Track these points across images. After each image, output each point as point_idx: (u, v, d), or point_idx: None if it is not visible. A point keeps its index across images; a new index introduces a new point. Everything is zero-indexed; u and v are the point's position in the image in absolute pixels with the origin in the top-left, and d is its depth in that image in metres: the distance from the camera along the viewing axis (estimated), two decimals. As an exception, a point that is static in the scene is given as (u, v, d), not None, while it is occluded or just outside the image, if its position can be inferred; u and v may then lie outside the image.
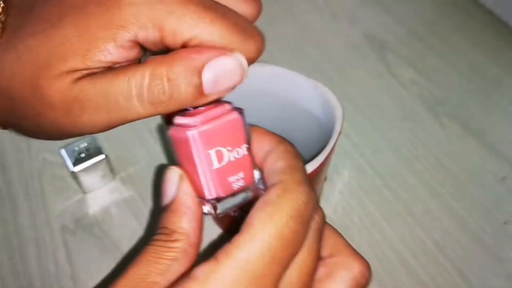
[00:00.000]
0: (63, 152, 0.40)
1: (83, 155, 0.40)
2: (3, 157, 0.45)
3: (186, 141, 0.22)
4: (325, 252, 0.24)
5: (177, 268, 0.22)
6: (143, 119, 0.23)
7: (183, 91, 0.21)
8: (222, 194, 0.23)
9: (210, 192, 0.23)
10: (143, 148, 0.46)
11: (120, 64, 0.22)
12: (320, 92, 0.35)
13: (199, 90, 0.21)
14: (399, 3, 0.58)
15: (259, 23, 0.50)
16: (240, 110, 0.23)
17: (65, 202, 0.43)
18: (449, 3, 0.58)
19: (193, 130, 0.21)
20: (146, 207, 0.43)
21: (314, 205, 0.22)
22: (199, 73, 0.21)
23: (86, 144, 0.40)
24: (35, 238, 0.41)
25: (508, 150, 0.47)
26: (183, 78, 0.21)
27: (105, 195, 0.43)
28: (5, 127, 0.27)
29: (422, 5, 0.58)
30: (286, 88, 0.37)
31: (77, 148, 0.40)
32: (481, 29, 0.55)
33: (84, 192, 0.43)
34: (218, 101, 0.23)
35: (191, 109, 0.22)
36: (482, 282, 0.40)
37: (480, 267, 0.40)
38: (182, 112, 0.22)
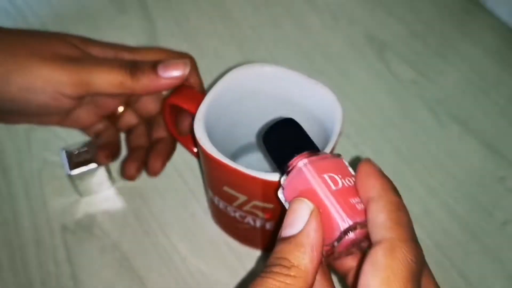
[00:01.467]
0: (62, 153, 0.40)
1: (82, 159, 0.40)
2: (3, 157, 0.45)
3: (300, 172, 0.24)
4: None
5: None
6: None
7: (146, 71, 0.34)
8: (351, 215, 0.23)
9: (340, 215, 0.23)
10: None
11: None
12: (321, 92, 0.35)
13: (155, 70, 0.34)
14: (399, 3, 0.58)
15: (259, 23, 0.51)
16: (338, 155, 0.26)
17: (65, 202, 0.43)
18: (449, 3, 0.58)
19: (303, 160, 0.24)
20: (146, 207, 0.43)
21: (422, 261, 0.22)
22: (155, 64, 0.35)
23: (85, 149, 0.40)
24: (35, 238, 0.41)
25: (508, 150, 0.47)
26: (147, 65, 0.34)
27: (105, 195, 0.43)
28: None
29: (422, 5, 0.58)
30: (286, 87, 0.37)
31: (76, 152, 0.40)
32: (481, 29, 0.56)
33: (80, 195, 0.43)
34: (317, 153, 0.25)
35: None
36: (482, 282, 0.40)
37: (480, 267, 0.40)
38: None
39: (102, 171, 0.41)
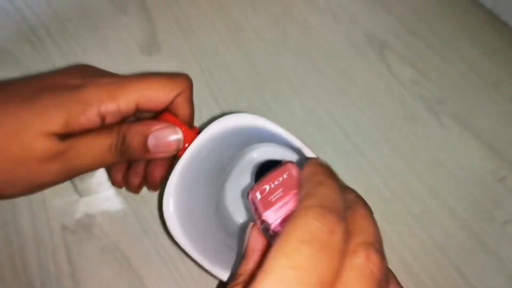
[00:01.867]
0: None
1: None
2: (3, 157, 0.45)
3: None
4: None
5: None
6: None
7: (137, 148, 0.32)
8: (261, 213, 0.25)
9: (258, 218, 0.26)
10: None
11: (83, 131, 0.31)
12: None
13: (145, 147, 0.32)
14: (399, 3, 0.58)
15: (259, 23, 0.51)
16: (289, 161, 0.28)
17: (65, 202, 0.43)
18: (449, 3, 0.58)
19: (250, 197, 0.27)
20: (146, 207, 0.43)
21: (341, 231, 0.20)
22: (146, 137, 0.32)
23: None
24: (35, 238, 0.41)
25: (508, 150, 0.47)
26: (136, 139, 0.32)
27: (105, 195, 0.43)
28: None
29: (422, 5, 0.58)
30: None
31: None
32: (481, 29, 0.56)
33: (80, 195, 0.43)
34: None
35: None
36: (481, 282, 0.40)
37: (480, 266, 0.40)
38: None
39: (102, 171, 0.41)
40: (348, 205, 0.23)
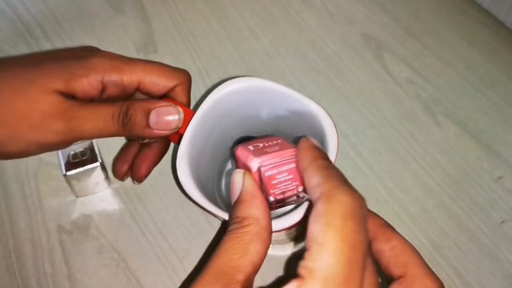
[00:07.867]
0: (59, 153, 0.40)
1: (78, 160, 0.39)
2: None
3: (235, 155, 0.29)
4: (397, 271, 0.26)
5: (254, 249, 0.24)
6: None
7: (138, 122, 0.33)
8: (256, 158, 0.27)
9: (251, 159, 0.27)
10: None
11: (85, 97, 0.33)
12: (317, 115, 0.33)
13: (147, 122, 0.33)
14: (396, 3, 0.58)
15: (256, 23, 0.51)
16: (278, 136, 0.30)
17: (61, 202, 0.43)
18: (446, 2, 0.58)
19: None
20: (143, 207, 0.43)
21: (362, 203, 0.23)
22: (148, 112, 0.33)
23: (82, 150, 0.40)
24: (31, 239, 0.41)
25: (505, 150, 0.47)
26: (138, 113, 0.33)
27: (102, 195, 0.43)
28: None
29: (419, 4, 0.58)
30: (277, 104, 0.36)
31: (73, 152, 0.40)
32: (478, 28, 0.56)
33: (76, 196, 0.43)
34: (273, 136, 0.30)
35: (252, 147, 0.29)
36: (479, 282, 0.40)
37: (477, 266, 0.40)
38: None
39: (98, 171, 0.40)
40: None
